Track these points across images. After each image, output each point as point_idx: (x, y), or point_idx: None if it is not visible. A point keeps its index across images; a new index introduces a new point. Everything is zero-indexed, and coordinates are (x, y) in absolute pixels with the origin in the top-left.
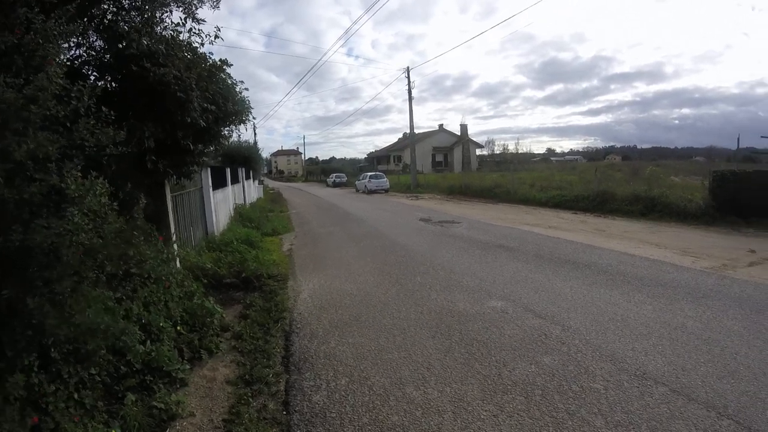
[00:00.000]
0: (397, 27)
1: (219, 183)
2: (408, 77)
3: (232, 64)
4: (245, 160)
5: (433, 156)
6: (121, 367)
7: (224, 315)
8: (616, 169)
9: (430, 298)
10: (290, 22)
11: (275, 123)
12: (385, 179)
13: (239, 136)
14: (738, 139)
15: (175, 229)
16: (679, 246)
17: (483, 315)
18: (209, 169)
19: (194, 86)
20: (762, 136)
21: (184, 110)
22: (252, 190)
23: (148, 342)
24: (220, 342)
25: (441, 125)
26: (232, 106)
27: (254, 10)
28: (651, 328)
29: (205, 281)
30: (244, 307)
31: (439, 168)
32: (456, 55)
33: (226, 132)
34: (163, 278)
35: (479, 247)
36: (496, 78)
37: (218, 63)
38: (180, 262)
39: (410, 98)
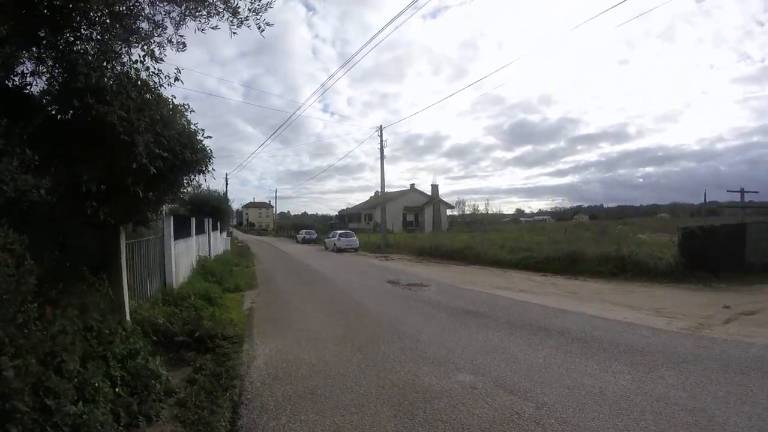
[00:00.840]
0: (372, 86)
1: (182, 233)
2: (381, 135)
3: (193, 111)
4: (214, 210)
5: (404, 215)
6: (48, 429)
7: (170, 378)
8: (585, 228)
9: (394, 370)
10: (269, 74)
11: (249, 174)
12: (355, 238)
13: (208, 185)
14: (705, 194)
15: (128, 278)
16: (653, 306)
17: (450, 391)
18: (172, 218)
19: (143, 130)
20: (728, 191)
21: (129, 154)
22: (219, 242)
23: (80, 403)
24: (162, 408)
25: (413, 185)
26: (190, 155)
27: (235, 59)
28: (632, 401)
29: (155, 338)
30: (194, 370)
31: (410, 228)
32: (428, 115)
33: (185, 181)
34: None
35: (448, 312)
36: (467, 139)
37: (178, 107)
38: (130, 315)
39: (382, 156)
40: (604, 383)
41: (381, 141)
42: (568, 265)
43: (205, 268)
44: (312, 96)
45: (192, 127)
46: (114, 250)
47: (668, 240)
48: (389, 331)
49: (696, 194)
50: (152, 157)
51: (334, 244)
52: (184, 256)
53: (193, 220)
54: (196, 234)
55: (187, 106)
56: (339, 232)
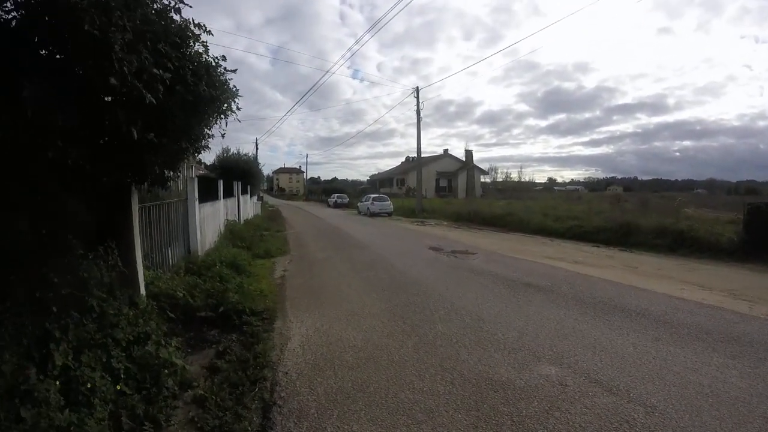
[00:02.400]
0: (403, 51)
1: (208, 196)
2: (417, 97)
3: (211, 33)
4: (243, 173)
5: (437, 181)
6: None
7: (187, 366)
8: (623, 200)
9: (460, 358)
10: (297, 41)
11: (278, 141)
12: (389, 202)
13: (238, 149)
14: None
15: (144, 247)
16: (725, 287)
17: (536, 389)
18: (196, 180)
19: (127, 26)
20: None
21: (101, 61)
22: (249, 207)
23: (67, 411)
24: (176, 407)
25: (446, 150)
26: (207, 90)
27: (261, 27)
28: (749, 404)
29: (173, 315)
30: (217, 354)
31: (443, 193)
32: (460, 81)
33: (204, 126)
34: None
35: (505, 285)
36: (499, 106)
37: (189, 24)
38: (145, 288)
39: (419, 119)
40: (712, 380)
41: (417, 103)
42: (620, 236)
43: (233, 233)
44: (339, 59)
45: (208, 57)
46: (123, 214)
47: (714, 217)
48: (444, 307)
49: (733, 171)
50: (149, 81)
51: (368, 208)
52: (211, 220)
53: (221, 183)
54: (224, 197)
55: (202, 26)
56: (372, 196)
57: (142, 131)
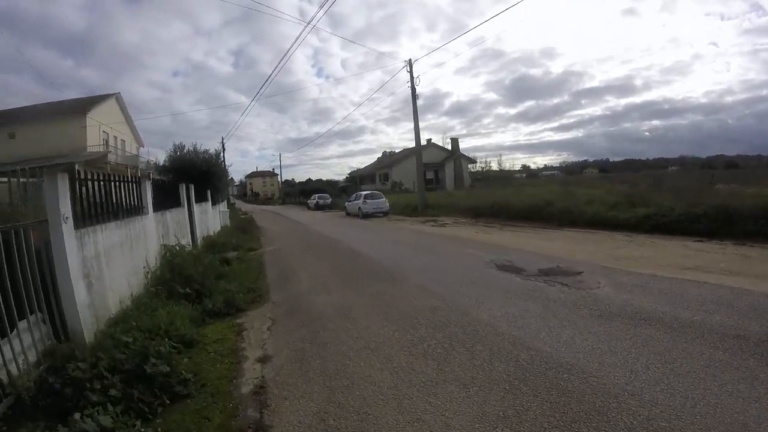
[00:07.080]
0: (366, 46)
1: (121, 210)
2: (411, 71)
3: None
4: (203, 175)
5: (423, 173)
6: None
7: None
8: (620, 181)
9: None
10: (257, 42)
11: (248, 145)
12: (384, 199)
13: (194, 144)
14: None
15: None
16: None
17: None
18: (62, 179)
19: None
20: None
21: None
22: (210, 218)
23: None
24: None
25: (429, 140)
26: None
27: (220, 28)
28: None
29: None
30: None
31: (430, 186)
32: (426, 74)
33: None
34: None
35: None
36: (468, 96)
37: None
38: None
39: (414, 96)
40: None
41: (411, 78)
42: (720, 225)
43: (174, 268)
44: (293, 44)
45: None
46: None
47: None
48: None
49: (702, 147)
50: None
51: (359, 208)
52: (123, 254)
53: (148, 185)
54: (159, 209)
55: None
56: (364, 193)
57: None
